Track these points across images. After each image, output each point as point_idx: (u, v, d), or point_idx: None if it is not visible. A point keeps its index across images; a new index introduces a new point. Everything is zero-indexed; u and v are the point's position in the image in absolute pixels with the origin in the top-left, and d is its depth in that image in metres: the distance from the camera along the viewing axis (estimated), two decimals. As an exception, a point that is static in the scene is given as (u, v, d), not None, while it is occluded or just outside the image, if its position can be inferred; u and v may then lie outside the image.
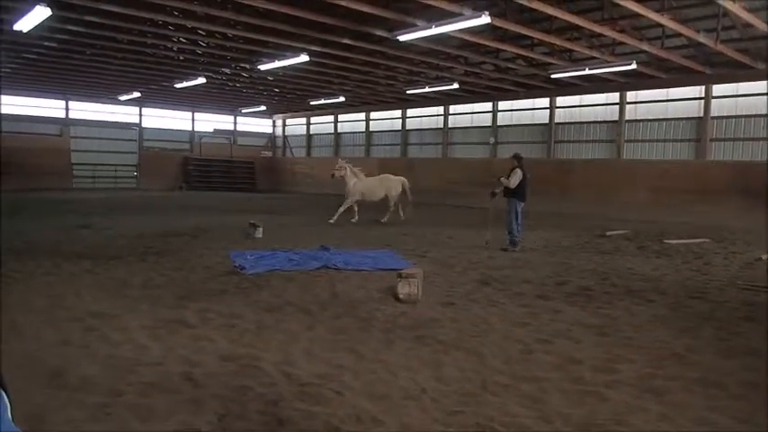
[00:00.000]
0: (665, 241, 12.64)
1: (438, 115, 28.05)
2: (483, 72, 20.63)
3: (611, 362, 4.61)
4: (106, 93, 29.26)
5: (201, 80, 23.08)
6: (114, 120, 33.07)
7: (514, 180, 10.97)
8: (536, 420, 3.54)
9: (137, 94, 28.30)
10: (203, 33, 17.57)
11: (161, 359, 4.42)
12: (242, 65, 20.94)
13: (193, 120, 36.36)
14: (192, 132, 36.24)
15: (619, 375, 4.30)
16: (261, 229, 11.87)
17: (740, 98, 18.09)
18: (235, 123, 38.19)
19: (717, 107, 18.64)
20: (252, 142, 38.89)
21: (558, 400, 3.83)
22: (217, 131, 37.06)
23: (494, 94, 24.43)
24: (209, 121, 37.04)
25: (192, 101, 32.62)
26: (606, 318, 6.08)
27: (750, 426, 3.52)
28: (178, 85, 24.43)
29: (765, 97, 17.33)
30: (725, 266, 9.73)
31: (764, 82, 17.11)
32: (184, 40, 18.61)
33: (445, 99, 26.49)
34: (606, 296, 7.17)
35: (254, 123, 39.18)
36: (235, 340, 4.94)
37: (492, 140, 25.34)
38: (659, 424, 3.52)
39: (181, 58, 20.51)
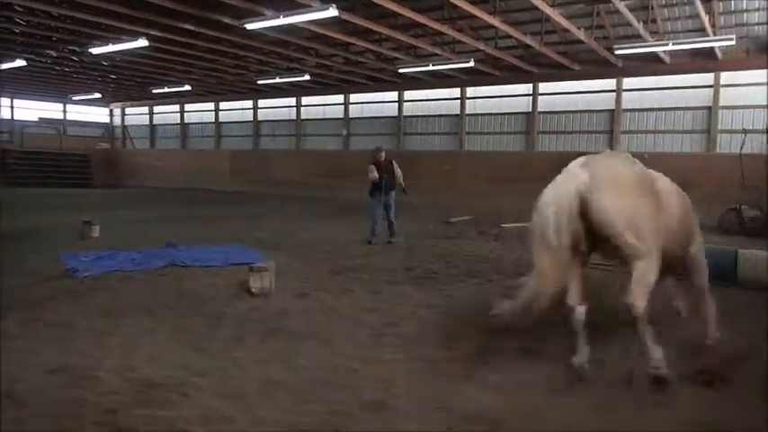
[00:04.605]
0: (502, 225, 13.82)
1: (291, 106, 27.77)
2: (334, 64, 20.81)
3: (452, 339, 4.98)
4: None
5: (21, 63, 20.47)
6: None
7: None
8: (384, 400, 3.72)
9: (-63, 77, 24.37)
10: (21, 9, 15.57)
11: (-26, 378, 3.92)
12: (70, 47, 18.95)
13: (12, 107, 32.16)
14: (12, 121, 32.04)
15: (457, 351, 4.67)
16: (98, 227, 10.90)
17: (560, 96, 20.29)
18: (64, 112, 34.41)
19: (543, 103, 20.73)
20: (86, 133, 35.39)
21: (404, 380, 4.06)
22: (42, 120, 33.14)
23: (345, 86, 24.76)
24: (34, 109, 33.01)
25: (10, 86, 28.82)
26: (449, 298, 6.54)
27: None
28: (-9, 68, 21.45)
29: (582, 95, 19.73)
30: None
31: (582, 81, 19.47)
32: (-3, 17, 16.38)
33: (298, 90, 26.30)
34: (449, 278, 7.69)
35: (89, 112, 35.65)
36: (65, 350, 4.51)
37: (344, 132, 25.71)
38: (492, 393, 3.90)
39: (-7, 36, 18.04)
